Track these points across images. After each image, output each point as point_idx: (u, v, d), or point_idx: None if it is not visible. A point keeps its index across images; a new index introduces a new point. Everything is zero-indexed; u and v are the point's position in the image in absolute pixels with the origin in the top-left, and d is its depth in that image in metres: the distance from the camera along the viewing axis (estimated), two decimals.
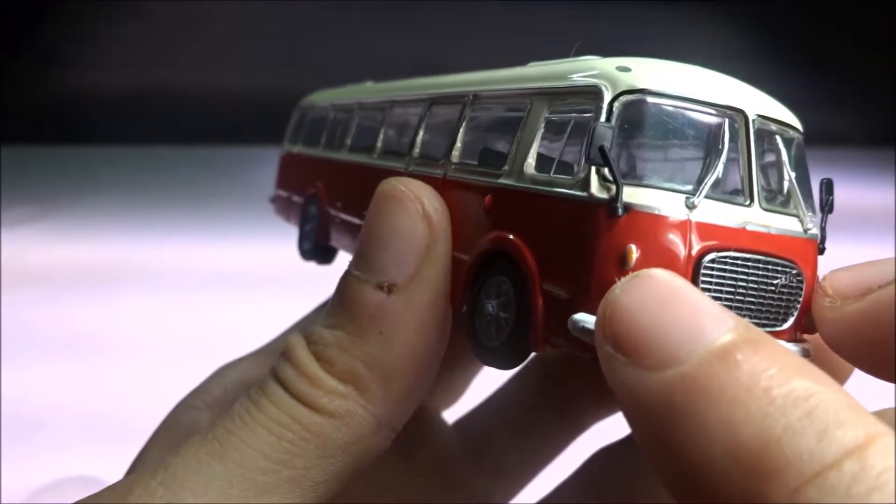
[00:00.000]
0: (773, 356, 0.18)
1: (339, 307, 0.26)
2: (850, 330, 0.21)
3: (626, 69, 0.23)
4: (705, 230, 0.22)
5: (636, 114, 0.23)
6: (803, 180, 0.25)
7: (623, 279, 0.20)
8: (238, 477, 0.25)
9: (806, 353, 0.24)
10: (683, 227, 0.22)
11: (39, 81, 1.18)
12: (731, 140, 0.24)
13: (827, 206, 0.25)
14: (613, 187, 0.22)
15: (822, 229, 0.25)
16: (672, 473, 0.18)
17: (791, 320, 0.24)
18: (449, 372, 0.28)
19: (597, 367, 0.20)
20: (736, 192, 0.23)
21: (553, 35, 1.16)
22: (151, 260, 0.89)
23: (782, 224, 0.24)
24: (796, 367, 0.18)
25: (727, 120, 0.24)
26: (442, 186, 0.27)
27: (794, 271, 0.23)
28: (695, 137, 0.24)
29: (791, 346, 0.23)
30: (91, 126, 1.17)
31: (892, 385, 0.22)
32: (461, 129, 0.28)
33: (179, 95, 1.18)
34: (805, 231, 0.24)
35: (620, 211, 0.22)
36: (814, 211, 0.25)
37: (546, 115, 0.25)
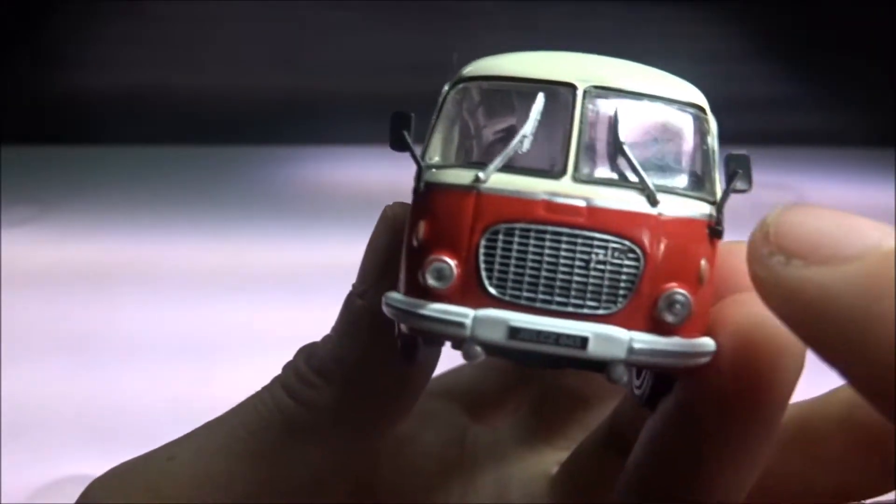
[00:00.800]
0: None
1: (339, 314, 0.28)
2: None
3: (471, 63, 0.24)
4: (494, 202, 0.22)
5: (458, 100, 0.24)
6: (697, 160, 0.24)
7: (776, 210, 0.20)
8: (224, 444, 0.28)
9: (667, 356, 0.21)
10: (469, 200, 0.22)
11: (39, 81, 1.18)
12: (549, 114, 0.22)
13: (731, 184, 0.23)
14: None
15: (719, 209, 0.23)
16: (868, 364, 0.17)
17: (621, 304, 0.21)
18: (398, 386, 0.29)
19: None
20: (552, 164, 0.22)
21: (553, 35, 1.16)
22: (152, 260, 0.89)
23: (610, 197, 0.22)
24: None
25: (542, 94, 0.22)
26: None
27: (623, 248, 0.21)
28: (511, 115, 0.23)
29: (645, 336, 0.21)
30: (91, 126, 1.17)
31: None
32: None
33: (180, 95, 1.18)
34: (652, 205, 0.22)
35: (421, 190, 0.22)
36: (706, 190, 0.23)
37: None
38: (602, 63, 0.24)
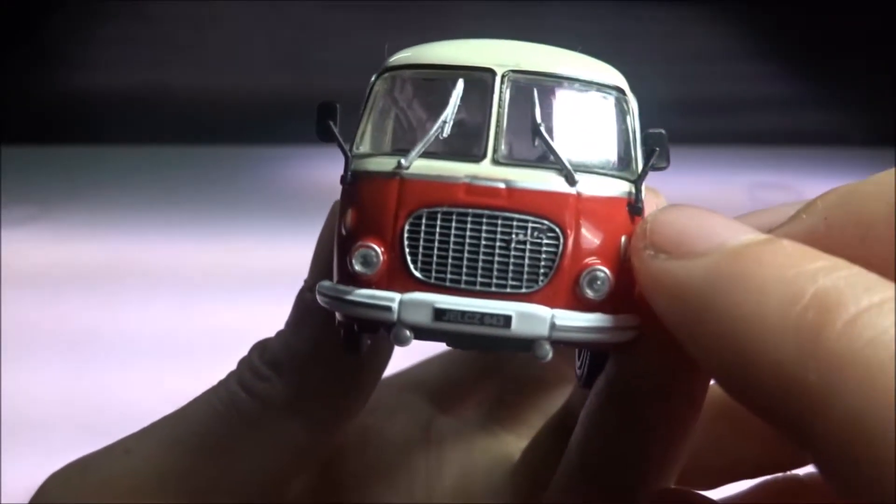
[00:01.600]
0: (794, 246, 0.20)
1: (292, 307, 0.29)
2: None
3: (395, 55, 0.24)
4: (416, 187, 0.22)
5: (384, 90, 0.24)
6: (618, 139, 0.24)
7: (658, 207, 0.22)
8: (180, 438, 0.29)
9: (595, 333, 0.22)
10: (393, 186, 0.22)
11: (39, 81, 1.18)
12: (470, 99, 0.23)
13: (650, 160, 0.23)
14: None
15: (638, 185, 0.23)
16: (717, 350, 0.19)
17: (543, 282, 0.22)
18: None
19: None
20: (473, 148, 0.22)
21: (555, 34, 1.16)
22: (151, 260, 0.89)
23: (529, 178, 0.22)
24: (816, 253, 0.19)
25: (461, 79, 0.23)
26: None
27: (542, 227, 0.22)
28: (434, 101, 0.24)
29: (567, 313, 0.22)
30: (91, 126, 1.17)
31: None
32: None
33: (180, 95, 1.18)
34: (571, 185, 0.22)
35: (348, 179, 0.23)
36: (627, 169, 0.24)
37: None
38: (522, 48, 0.24)
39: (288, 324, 0.29)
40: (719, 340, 0.19)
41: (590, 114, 0.24)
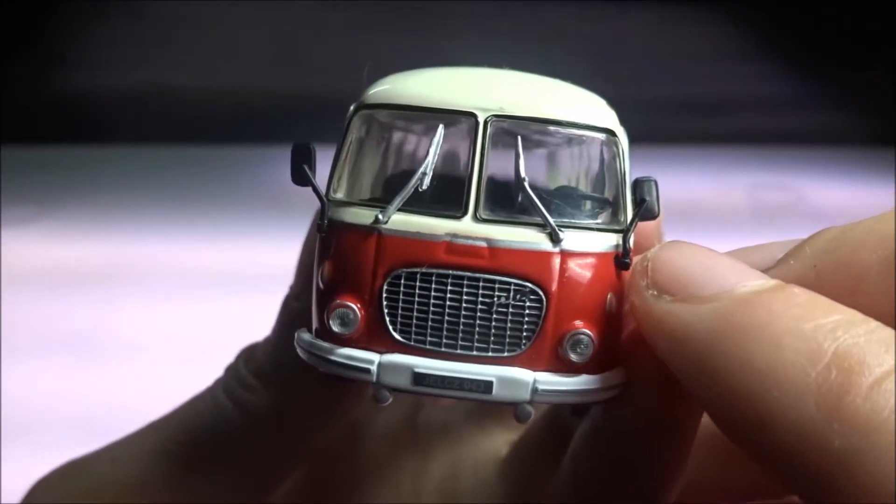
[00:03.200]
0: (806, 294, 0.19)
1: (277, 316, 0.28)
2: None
3: (374, 85, 0.23)
4: (395, 244, 0.21)
5: (361, 128, 0.23)
6: (606, 186, 0.23)
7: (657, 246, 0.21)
8: (164, 447, 0.28)
9: (578, 397, 0.21)
10: (371, 242, 0.21)
11: (39, 81, 1.17)
12: (450, 142, 0.22)
13: (638, 212, 0.22)
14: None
15: (626, 240, 0.22)
16: (727, 400, 0.19)
17: (525, 345, 0.21)
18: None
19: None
20: (453, 203, 0.21)
21: (556, 34, 1.16)
22: (151, 260, 0.89)
23: (512, 236, 0.21)
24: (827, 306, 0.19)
25: (441, 126, 0.22)
26: None
27: (525, 289, 0.21)
28: (411, 145, 0.23)
29: (550, 377, 0.21)
30: (91, 126, 1.17)
31: None
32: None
33: (179, 95, 1.18)
34: (555, 243, 0.21)
35: (324, 228, 0.22)
36: (615, 219, 0.23)
37: None
38: (506, 84, 0.23)
39: (274, 332, 0.29)
40: (730, 393, 0.18)
41: (577, 160, 0.23)
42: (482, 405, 0.35)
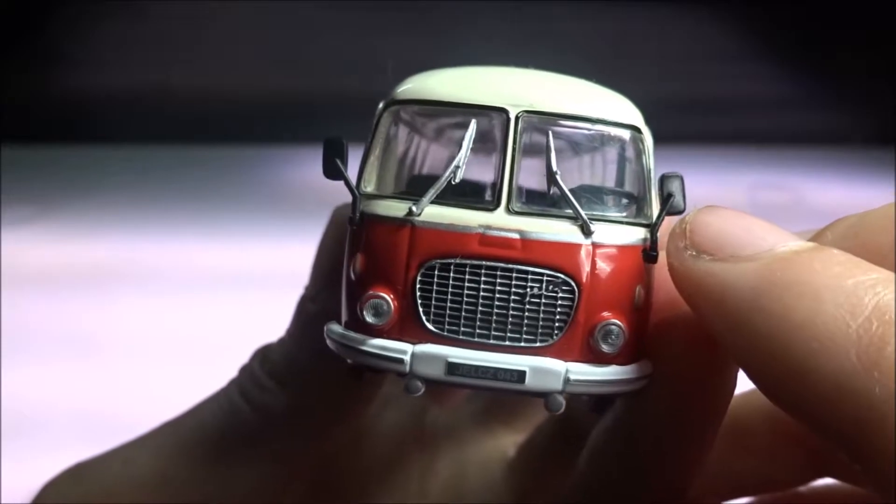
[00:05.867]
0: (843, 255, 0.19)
1: (292, 316, 0.29)
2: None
3: (402, 83, 0.23)
4: (428, 236, 0.21)
5: (391, 124, 0.23)
6: (633, 182, 0.24)
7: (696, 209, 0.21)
8: (180, 447, 0.28)
9: (599, 387, 0.22)
10: (404, 233, 0.21)
11: (39, 81, 1.18)
12: (481, 137, 0.22)
13: (665, 207, 0.23)
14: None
15: (653, 233, 0.22)
16: (767, 356, 0.19)
17: (557, 336, 0.21)
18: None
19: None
20: (486, 195, 0.22)
21: (556, 34, 1.16)
22: (151, 260, 0.89)
23: (544, 229, 0.21)
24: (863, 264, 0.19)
25: (474, 120, 0.22)
26: None
27: (557, 280, 0.21)
28: (443, 139, 0.24)
29: (581, 367, 0.21)
30: (91, 126, 1.17)
31: None
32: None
33: (180, 95, 1.18)
34: (587, 235, 0.22)
35: (356, 221, 0.22)
36: (643, 213, 0.23)
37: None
38: (534, 82, 0.24)
39: (289, 333, 0.29)
40: (770, 347, 0.19)
41: (605, 156, 0.24)
42: (488, 408, 0.35)
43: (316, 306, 0.27)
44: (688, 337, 0.22)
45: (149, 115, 1.17)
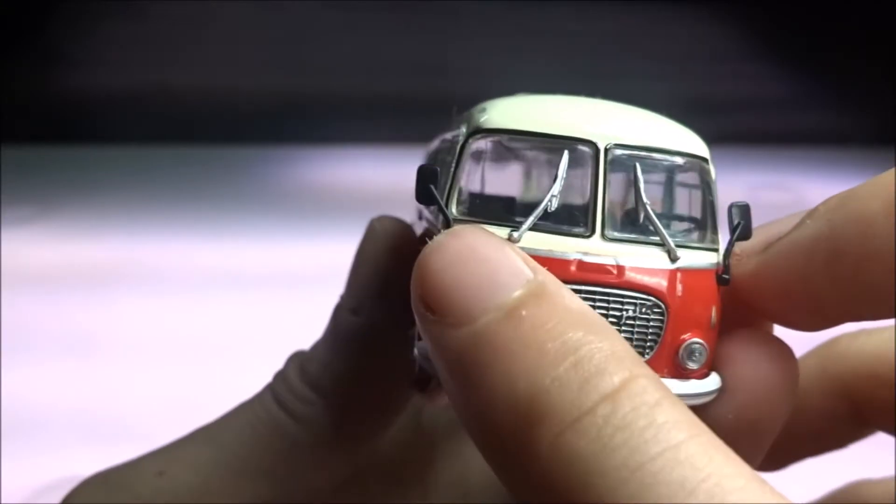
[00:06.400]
0: (555, 309, 0.19)
1: (326, 327, 0.29)
2: (754, 282, 0.23)
3: (483, 110, 0.24)
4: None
5: (480, 152, 0.24)
6: (702, 210, 0.25)
7: (435, 237, 0.21)
8: (217, 460, 0.28)
9: (698, 397, 0.23)
10: None
11: (39, 81, 1.17)
12: (573, 171, 0.23)
13: (736, 234, 0.24)
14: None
15: (726, 258, 0.24)
16: (469, 425, 0.20)
17: (649, 355, 0.23)
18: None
19: None
20: (580, 223, 0.23)
21: (553, 36, 1.16)
22: (151, 260, 0.89)
23: (636, 255, 0.23)
24: (575, 319, 0.19)
25: (566, 151, 0.23)
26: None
27: (649, 303, 0.23)
28: (538, 173, 0.25)
29: (670, 383, 0.23)
30: (91, 126, 1.17)
31: None
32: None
33: (179, 95, 1.18)
34: (673, 261, 0.23)
35: None
36: (710, 239, 0.25)
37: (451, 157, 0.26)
38: (615, 114, 0.25)
39: (327, 344, 0.29)
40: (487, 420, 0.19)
41: (683, 186, 0.25)
42: None
43: (361, 319, 0.28)
44: (759, 352, 0.24)
45: (149, 115, 1.17)
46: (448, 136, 0.29)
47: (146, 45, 1.19)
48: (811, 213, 0.23)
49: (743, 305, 0.24)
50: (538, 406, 0.18)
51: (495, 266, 0.20)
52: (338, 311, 0.29)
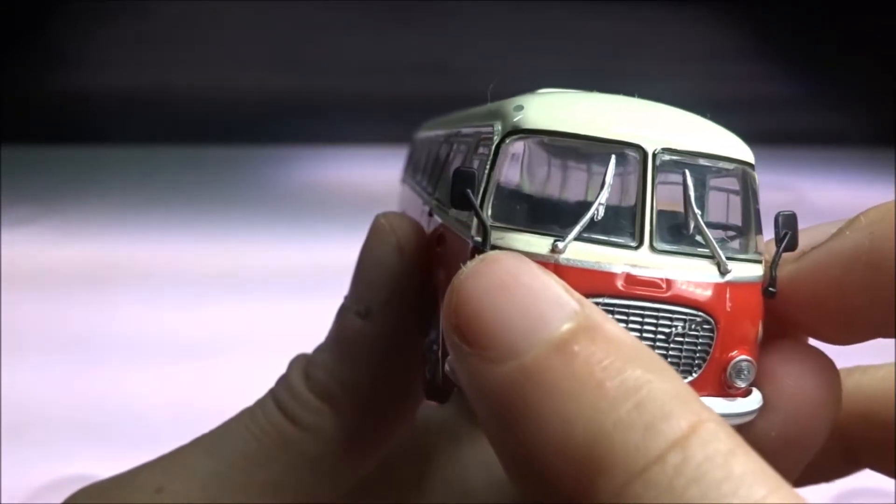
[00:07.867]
0: (609, 344, 0.18)
1: (330, 330, 0.28)
2: (787, 290, 0.22)
3: (519, 108, 0.23)
4: (574, 274, 0.21)
5: (520, 155, 0.22)
6: (745, 217, 0.24)
7: (470, 262, 0.19)
8: (219, 473, 0.27)
9: (743, 415, 0.22)
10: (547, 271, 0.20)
11: (39, 81, 1.17)
12: (621, 178, 0.22)
13: (783, 244, 0.23)
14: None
15: (773, 270, 0.23)
16: (515, 468, 0.18)
17: (696, 373, 0.22)
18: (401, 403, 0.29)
19: None
20: (626, 233, 0.22)
21: (553, 36, 1.16)
22: (151, 260, 0.89)
23: (685, 268, 0.22)
24: (631, 355, 0.18)
25: (614, 156, 0.22)
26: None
27: (698, 319, 0.22)
28: (580, 177, 0.23)
29: (716, 402, 0.22)
30: (91, 126, 1.17)
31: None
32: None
33: (180, 95, 1.18)
34: (723, 274, 0.22)
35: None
36: (754, 249, 0.23)
37: (475, 156, 0.24)
38: (662, 117, 0.24)
39: (333, 349, 0.28)
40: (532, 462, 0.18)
41: (729, 192, 0.24)
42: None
43: (369, 323, 0.27)
44: (801, 366, 0.23)
45: (149, 115, 1.17)
46: (465, 130, 0.27)
47: (145, 46, 1.19)
48: (851, 224, 0.22)
49: (772, 314, 0.23)
50: (599, 452, 0.16)
51: (538, 296, 0.18)
52: (343, 313, 0.27)
